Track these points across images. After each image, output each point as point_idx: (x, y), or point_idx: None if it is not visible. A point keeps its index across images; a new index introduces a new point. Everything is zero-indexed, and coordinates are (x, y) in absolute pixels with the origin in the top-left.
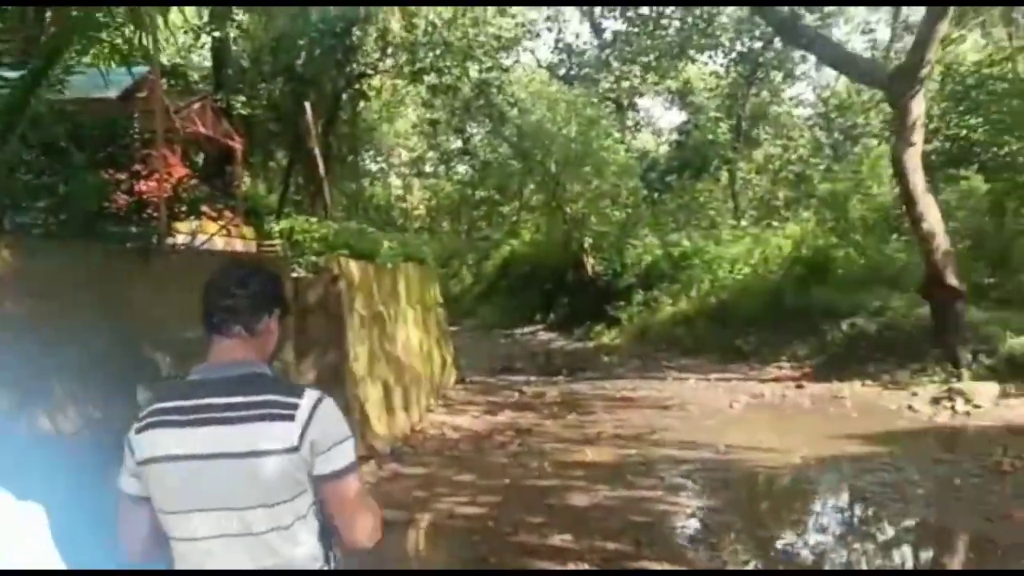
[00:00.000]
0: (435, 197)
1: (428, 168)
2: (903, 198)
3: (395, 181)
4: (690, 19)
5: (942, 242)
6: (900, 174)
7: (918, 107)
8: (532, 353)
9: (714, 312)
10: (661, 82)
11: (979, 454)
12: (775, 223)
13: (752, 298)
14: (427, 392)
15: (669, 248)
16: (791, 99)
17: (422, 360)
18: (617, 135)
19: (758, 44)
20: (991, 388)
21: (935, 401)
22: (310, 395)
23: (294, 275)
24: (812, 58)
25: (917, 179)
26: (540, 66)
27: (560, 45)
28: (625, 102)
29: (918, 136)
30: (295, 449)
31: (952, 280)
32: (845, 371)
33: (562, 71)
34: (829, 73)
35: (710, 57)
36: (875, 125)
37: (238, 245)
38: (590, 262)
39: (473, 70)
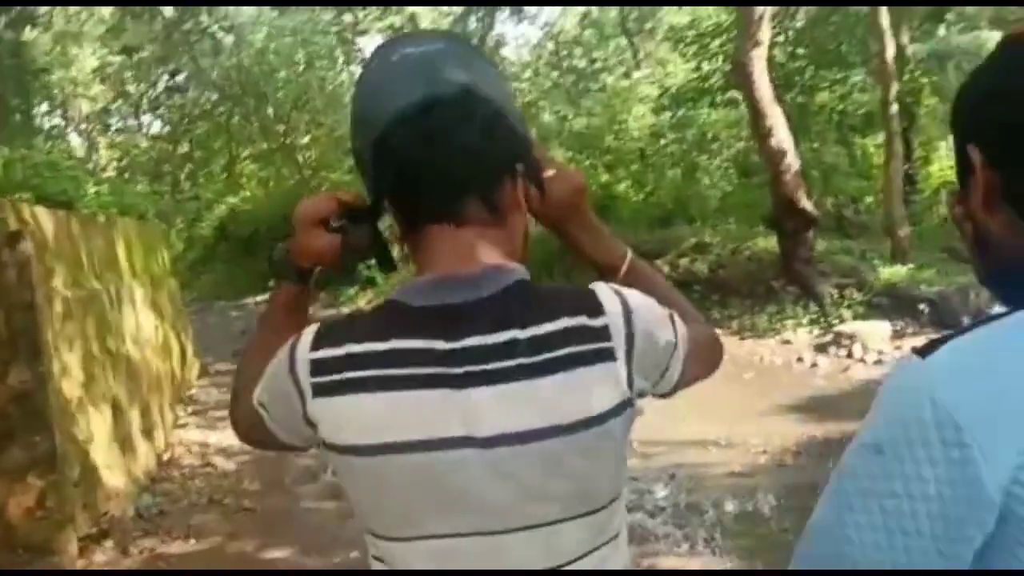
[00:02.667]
0: (127, 155)
1: (116, 122)
2: (748, 109)
3: (76, 140)
4: None
5: (792, 162)
6: (744, 81)
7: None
8: None
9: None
10: (384, 17)
11: None
12: None
13: (538, 248)
14: (171, 399)
15: None
16: (517, 38)
17: (160, 355)
18: (352, 69)
19: None
20: (882, 328)
21: (820, 349)
22: (607, 295)
23: None
24: None
25: (764, 86)
26: None
27: None
28: (350, 37)
29: (764, 34)
30: (627, 404)
31: (805, 204)
32: None
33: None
34: (554, 10)
35: None
36: (611, 61)
37: None
38: None
39: None
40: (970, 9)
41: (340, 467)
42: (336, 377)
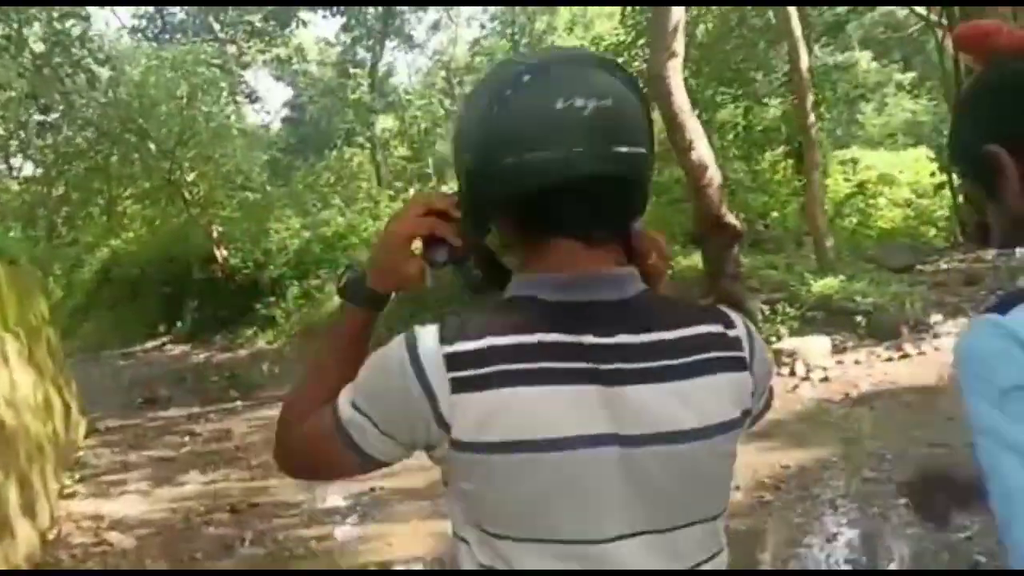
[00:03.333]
0: None
1: None
2: (666, 122)
3: None
4: None
5: (715, 175)
6: (660, 93)
7: (679, 10)
8: (173, 374)
9: (408, 296)
10: (269, 49)
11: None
12: (422, 190)
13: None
14: (55, 466)
15: (320, 229)
16: (408, 67)
17: (40, 416)
18: (238, 101)
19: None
20: (822, 343)
21: None
22: (732, 312)
23: None
24: (429, 20)
25: (681, 99)
26: (122, 26)
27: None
28: (234, 68)
29: (679, 45)
30: (746, 415)
31: (730, 218)
32: None
33: (151, 33)
34: (443, 38)
35: (324, 17)
36: None
37: None
38: (222, 254)
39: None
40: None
41: (471, 466)
42: (481, 371)
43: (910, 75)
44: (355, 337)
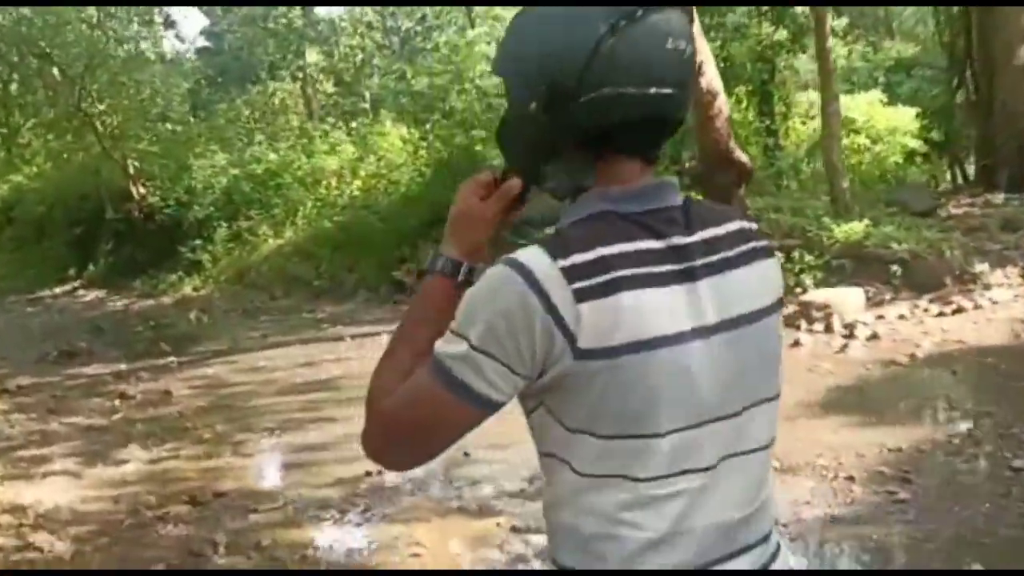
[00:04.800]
0: None
1: None
2: None
3: None
4: None
5: (723, 105)
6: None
7: None
8: (89, 323)
9: (343, 239)
10: None
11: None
12: (360, 125)
13: (399, 215)
14: None
15: (249, 166)
16: None
17: None
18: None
19: None
20: (855, 295)
21: (790, 323)
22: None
23: None
24: None
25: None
26: None
27: None
28: None
29: None
30: (780, 302)
31: (739, 154)
32: None
33: None
34: None
35: None
36: (441, 20)
37: None
38: (140, 192)
39: None
40: None
41: (596, 373)
42: (600, 279)
43: (843, 21)
44: (446, 306)
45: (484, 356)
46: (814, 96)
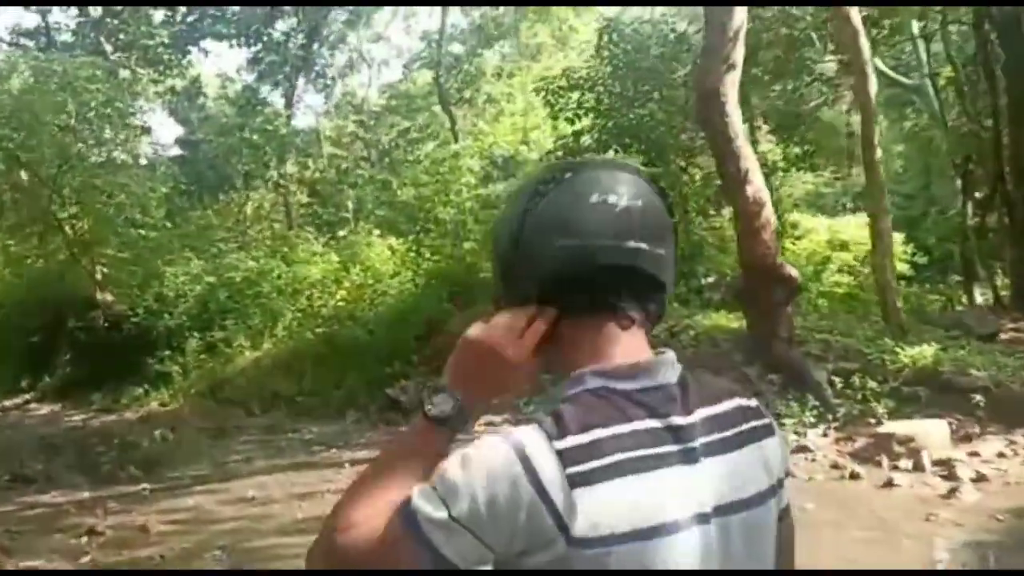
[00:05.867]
0: None
1: None
2: (717, 148)
3: None
4: None
5: (770, 215)
6: (713, 113)
7: (742, 10)
8: (44, 442)
9: (327, 351)
10: (163, 80)
11: None
12: (342, 237)
13: (389, 327)
14: None
15: (226, 274)
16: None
17: None
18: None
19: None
20: (939, 428)
21: (862, 459)
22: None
23: None
24: (342, 60)
25: (738, 121)
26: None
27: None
28: (126, 96)
29: (739, 55)
30: (781, 484)
31: (789, 269)
32: None
33: (33, 53)
34: (352, 80)
35: (231, 46)
36: (423, 133)
37: None
38: (107, 299)
39: None
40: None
41: (591, 561)
42: (593, 464)
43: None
44: (445, 452)
45: (463, 529)
46: (797, 216)
